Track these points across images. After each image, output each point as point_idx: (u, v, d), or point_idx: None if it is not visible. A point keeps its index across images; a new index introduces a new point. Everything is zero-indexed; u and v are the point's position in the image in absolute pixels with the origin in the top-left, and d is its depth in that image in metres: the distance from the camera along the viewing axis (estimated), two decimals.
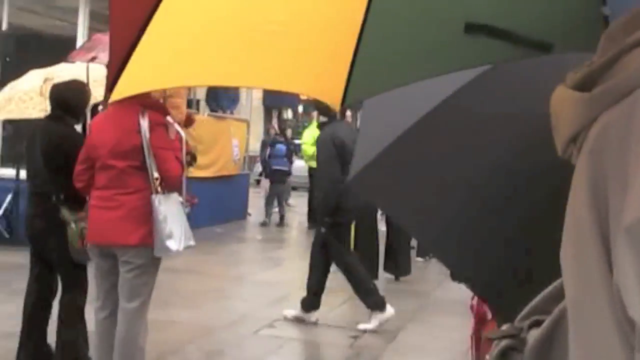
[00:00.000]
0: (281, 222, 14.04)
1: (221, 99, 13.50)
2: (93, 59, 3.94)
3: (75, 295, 4.59)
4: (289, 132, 17.85)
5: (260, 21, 1.47)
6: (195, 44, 1.49)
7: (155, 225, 4.00)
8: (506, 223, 1.74)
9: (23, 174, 6.50)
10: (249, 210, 14.46)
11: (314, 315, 6.30)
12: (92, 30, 9.55)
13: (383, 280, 8.09)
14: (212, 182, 11.72)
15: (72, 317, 4.56)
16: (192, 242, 4.26)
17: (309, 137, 14.14)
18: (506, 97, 1.74)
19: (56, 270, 4.67)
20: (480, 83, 1.69)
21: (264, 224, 13.76)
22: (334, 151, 6.21)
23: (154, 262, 4.16)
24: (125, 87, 1.50)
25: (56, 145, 4.54)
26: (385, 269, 8.45)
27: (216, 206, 11.57)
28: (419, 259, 9.28)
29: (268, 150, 14.48)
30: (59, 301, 4.60)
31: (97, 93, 4.89)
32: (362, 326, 6.11)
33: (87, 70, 4.89)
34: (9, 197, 8.86)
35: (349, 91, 1.64)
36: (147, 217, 4.00)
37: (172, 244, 4.06)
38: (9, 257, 7.25)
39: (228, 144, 13.39)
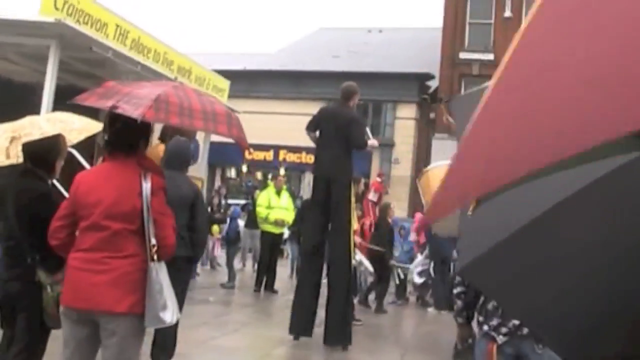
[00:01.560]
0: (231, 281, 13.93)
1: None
2: (114, 107, 3.80)
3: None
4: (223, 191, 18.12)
5: None
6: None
7: (150, 295, 3.77)
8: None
9: None
10: (198, 271, 14.23)
11: None
12: (59, 79, 9.39)
13: None
14: None
15: None
16: (179, 314, 4.08)
17: (265, 199, 14.10)
18: None
19: (21, 333, 4.41)
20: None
21: (230, 286, 13.73)
22: None
23: (141, 334, 3.93)
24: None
25: (28, 203, 4.31)
26: None
27: None
28: None
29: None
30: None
31: (71, 136, 4.74)
32: None
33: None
34: None
35: None
36: (138, 285, 3.77)
37: (167, 316, 3.83)
38: None
39: None
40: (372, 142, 9.19)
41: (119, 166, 3.91)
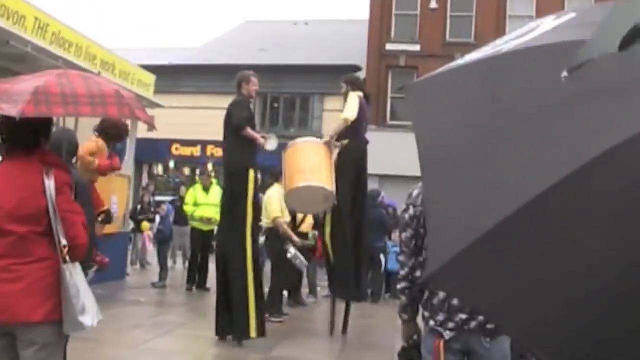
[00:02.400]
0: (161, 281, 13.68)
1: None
2: None
3: None
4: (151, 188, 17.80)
5: None
6: None
7: (66, 299, 3.54)
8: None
9: None
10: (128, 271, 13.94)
11: None
12: None
13: None
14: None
15: None
16: (101, 317, 3.85)
17: (191, 197, 13.86)
18: None
19: None
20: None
21: (161, 286, 13.49)
22: None
23: (61, 341, 3.73)
24: None
25: None
26: None
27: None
28: None
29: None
30: None
31: None
32: None
33: None
34: None
35: None
36: (53, 290, 3.54)
37: (87, 320, 3.63)
38: None
39: (107, 201, 12.83)
40: (259, 140, 8.61)
41: (19, 165, 3.66)
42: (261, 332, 8.29)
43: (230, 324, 8.34)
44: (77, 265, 3.64)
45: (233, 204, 8.44)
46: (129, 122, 11.00)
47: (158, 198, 18.95)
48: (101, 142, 8.96)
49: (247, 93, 8.73)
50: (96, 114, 4.16)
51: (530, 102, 1.60)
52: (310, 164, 8.75)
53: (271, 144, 8.77)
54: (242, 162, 8.41)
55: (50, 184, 3.59)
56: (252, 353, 8.04)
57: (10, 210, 3.54)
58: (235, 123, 8.36)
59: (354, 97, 9.14)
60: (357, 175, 9.20)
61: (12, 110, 3.43)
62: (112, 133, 8.44)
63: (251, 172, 8.40)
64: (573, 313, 1.57)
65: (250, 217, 8.41)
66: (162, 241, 14.21)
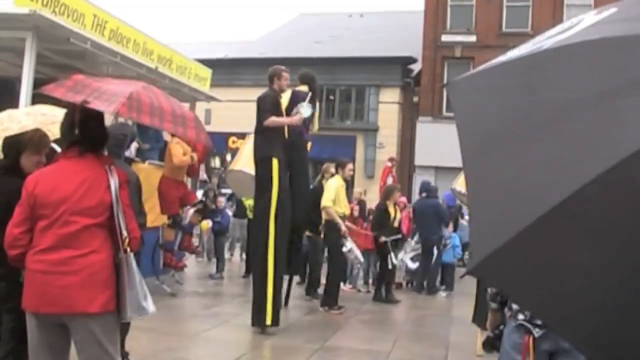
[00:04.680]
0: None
1: (146, 138, 12.96)
2: (85, 102, 3.68)
3: None
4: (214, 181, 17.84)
5: None
6: None
7: (131, 286, 3.72)
8: None
9: None
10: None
11: None
12: (37, 72, 9.20)
13: None
14: (150, 232, 11.31)
15: None
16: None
17: None
18: None
19: (7, 336, 4.28)
20: None
21: (218, 277, 13.69)
22: None
23: (116, 330, 3.88)
24: None
25: (7, 202, 4.00)
26: None
27: (155, 257, 11.20)
28: None
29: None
30: None
31: (55, 130, 4.57)
32: None
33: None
34: None
35: None
36: (108, 282, 3.71)
37: (149, 305, 3.82)
38: None
39: None
40: (289, 120, 8.95)
41: (82, 161, 3.83)
42: (276, 320, 8.46)
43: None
44: (132, 256, 3.80)
45: (261, 192, 8.67)
46: None
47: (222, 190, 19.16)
48: (179, 139, 9.51)
49: (277, 87, 9.00)
50: (177, 133, 4.75)
51: (567, 98, 1.60)
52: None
53: (305, 111, 8.98)
54: (265, 150, 8.65)
55: (114, 179, 3.78)
56: (308, 343, 8.10)
57: (74, 203, 3.70)
58: (259, 118, 8.70)
59: (287, 93, 9.38)
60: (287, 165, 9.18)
61: (108, 107, 3.72)
62: None
63: (274, 161, 8.59)
64: (609, 301, 1.58)
65: (274, 205, 8.56)
66: (219, 233, 14.35)
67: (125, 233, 3.74)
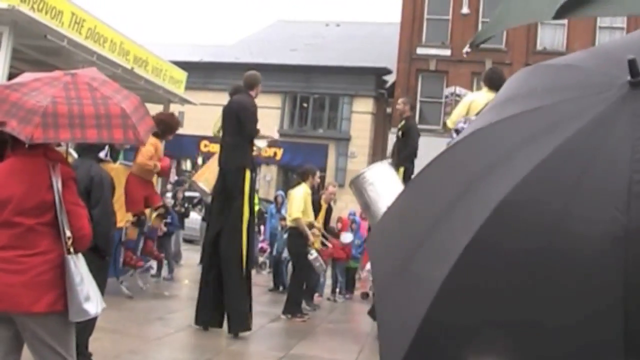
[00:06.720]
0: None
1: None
2: (2, 124, 3.60)
3: None
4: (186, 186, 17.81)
5: None
6: None
7: (71, 288, 3.69)
8: None
9: None
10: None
11: None
12: (13, 67, 9.18)
13: None
14: (115, 232, 11.26)
15: None
16: (104, 305, 3.99)
17: None
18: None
19: None
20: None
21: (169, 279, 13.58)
22: None
23: (67, 329, 3.84)
24: None
25: None
26: None
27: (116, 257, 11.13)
28: None
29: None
30: None
31: None
32: None
33: None
34: None
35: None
36: (55, 282, 3.68)
37: (91, 307, 3.79)
38: None
39: None
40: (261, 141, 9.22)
41: (24, 160, 3.78)
42: (249, 325, 8.54)
43: (213, 316, 8.57)
44: (81, 256, 3.80)
45: (228, 202, 8.58)
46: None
47: (187, 194, 19.13)
48: (157, 142, 9.21)
49: (255, 95, 8.95)
50: (102, 139, 4.00)
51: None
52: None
53: (261, 142, 9.30)
54: (236, 159, 8.58)
55: (56, 178, 3.73)
56: (272, 351, 8.13)
57: (17, 203, 3.68)
58: (248, 130, 8.59)
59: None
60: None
61: (22, 132, 3.55)
62: (161, 129, 8.62)
63: (247, 171, 8.57)
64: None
65: (247, 215, 8.57)
66: (165, 233, 14.24)
67: (68, 233, 3.71)
